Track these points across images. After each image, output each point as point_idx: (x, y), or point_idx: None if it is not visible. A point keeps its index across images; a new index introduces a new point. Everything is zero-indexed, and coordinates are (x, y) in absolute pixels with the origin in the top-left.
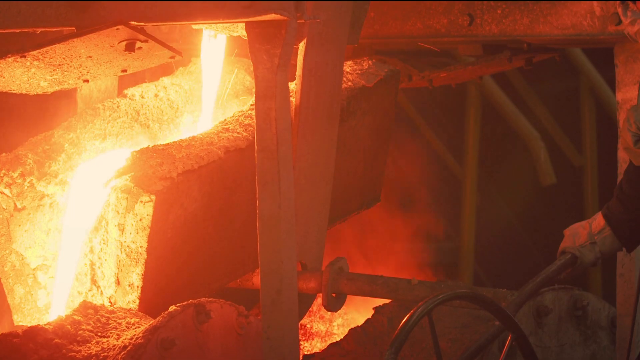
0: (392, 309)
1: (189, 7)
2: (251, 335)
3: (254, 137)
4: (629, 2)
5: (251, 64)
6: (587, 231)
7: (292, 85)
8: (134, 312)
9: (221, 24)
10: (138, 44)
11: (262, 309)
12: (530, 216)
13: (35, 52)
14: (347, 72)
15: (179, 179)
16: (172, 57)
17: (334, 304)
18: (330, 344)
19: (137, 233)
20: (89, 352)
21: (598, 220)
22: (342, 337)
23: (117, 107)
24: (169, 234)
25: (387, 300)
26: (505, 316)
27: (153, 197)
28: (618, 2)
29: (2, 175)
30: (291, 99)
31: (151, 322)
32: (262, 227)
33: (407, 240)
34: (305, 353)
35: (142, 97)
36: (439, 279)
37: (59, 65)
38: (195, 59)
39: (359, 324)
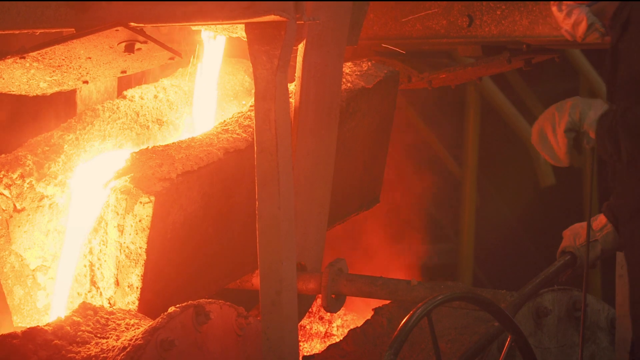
0: (392, 310)
1: (189, 8)
2: (251, 336)
3: (253, 138)
4: None
5: (250, 65)
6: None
7: (292, 87)
8: (133, 313)
9: (221, 25)
10: (137, 45)
11: (261, 310)
12: (529, 217)
13: (34, 53)
14: (347, 74)
15: (179, 180)
16: (171, 58)
17: (333, 305)
18: (330, 345)
19: (137, 234)
20: (88, 353)
21: (600, 219)
22: (341, 338)
23: (117, 108)
24: (169, 235)
25: (387, 301)
26: (505, 317)
27: (152, 198)
28: (551, 1)
29: (1, 176)
30: (290, 100)
31: (150, 323)
32: (261, 228)
33: (407, 242)
34: (305, 354)
35: (142, 99)
36: (438, 280)
37: (59, 66)
38: (195, 60)
39: (359, 325)
